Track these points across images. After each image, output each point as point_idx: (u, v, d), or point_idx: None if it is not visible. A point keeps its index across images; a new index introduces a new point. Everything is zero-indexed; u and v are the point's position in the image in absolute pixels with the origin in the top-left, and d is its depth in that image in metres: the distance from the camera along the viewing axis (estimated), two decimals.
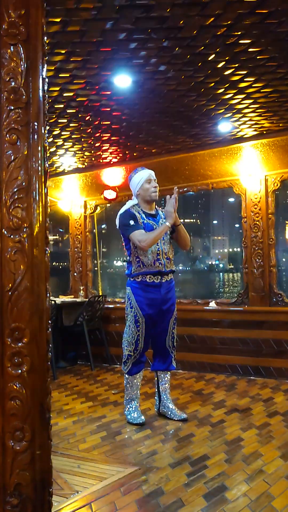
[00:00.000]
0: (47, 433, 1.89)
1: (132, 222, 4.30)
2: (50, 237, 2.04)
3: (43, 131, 1.96)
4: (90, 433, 4.16)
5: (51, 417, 1.92)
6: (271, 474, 3.22)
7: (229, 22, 3.27)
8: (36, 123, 1.92)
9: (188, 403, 4.98)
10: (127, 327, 4.44)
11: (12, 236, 1.85)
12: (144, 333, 4.37)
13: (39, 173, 1.91)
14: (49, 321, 1.95)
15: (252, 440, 3.88)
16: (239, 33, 3.41)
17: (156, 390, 4.59)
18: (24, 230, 1.86)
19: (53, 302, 6.50)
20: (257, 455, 3.56)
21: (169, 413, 4.48)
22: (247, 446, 3.74)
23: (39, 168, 1.92)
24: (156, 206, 4.59)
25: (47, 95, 2.06)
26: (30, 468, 1.83)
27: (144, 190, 4.44)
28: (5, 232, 1.85)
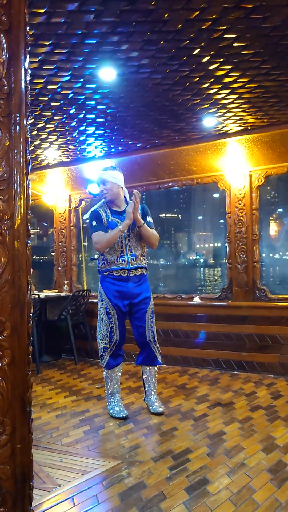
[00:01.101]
0: (28, 426, 1.88)
1: (94, 223, 4.45)
2: (32, 230, 2.03)
3: (25, 123, 1.93)
4: (73, 427, 4.15)
5: (32, 411, 1.91)
6: (252, 468, 3.24)
7: (214, 16, 3.26)
8: (18, 114, 1.90)
9: (172, 397, 5.00)
10: (99, 320, 4.51)
11: None
12: (118, 324, 4.44)
13: (21, 164, 1.89)
14: (31, 314, 1.94)
15: (234, 434, 3.90)
16: (224, 27, 3.40)
17: (143, 383, 4.62)
18: (5, 222, 1.84)
19: (37, 296, 6.47)
20: (239, 448, 3.58)
21: (149, 405, 4.52)
22: (229, 440, 3.76)
23: (21, 159, 1.89)
24: (126, 199, 4.60)
25: (29, 87, 2.04)
26: (10, 461, 1.81)
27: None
28: None
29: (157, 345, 4.57)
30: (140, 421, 4.28)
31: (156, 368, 4.60)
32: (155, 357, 4.54)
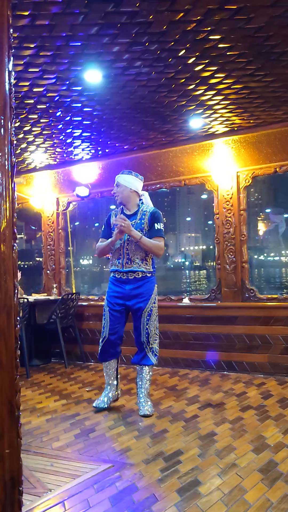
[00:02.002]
0: (16, 431, 1.86)
1: (102, 228, 4.84)
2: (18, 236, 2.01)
3: (9, 125, 1.92)
4: (64, 431, 4.13)
5: (20, 415, 1.90)
6: (243, 468, 3.24)
7: (198, 18, 3.27)
8: (2, 117, 1.89)
9: (162, 399, 4.99)
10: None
11: None
12: (110, 322, 4.64)
13: (6, 167, 1.88)
14: (18, 318, 1.92)
15: (225, 434, 3.90)
16: (209, 28, 3.42)
17: (136, 385, 4.74)
18: None
19: (26, 300, 6.44)
20: (230, 449, 3.58)
21: (138, 407, 4.57)
22: (220, 441, 3.76)
23: (6, 162, 1.88)
24: (141, 203, 4.69)
25: (14, 89, 2.03)
26: None
27: None
28: None
29: (153, 346, 4.58)
30: (131, 424, 4.26)
31: (148, 370, 4.61)
32: (146, 358, 4.57)
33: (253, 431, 3.95)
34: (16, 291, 1.91)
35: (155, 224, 4.55)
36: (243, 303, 6.18)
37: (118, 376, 4.80)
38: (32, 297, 7.19)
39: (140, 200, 4.71)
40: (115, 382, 4.74)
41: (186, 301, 6.63)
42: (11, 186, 1.90)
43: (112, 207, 4.93)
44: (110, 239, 4.59)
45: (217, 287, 6.40)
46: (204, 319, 6.33)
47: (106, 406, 4.65)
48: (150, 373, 4.64)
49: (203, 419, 4.30)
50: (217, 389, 5.31)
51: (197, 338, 6.34)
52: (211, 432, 3.96)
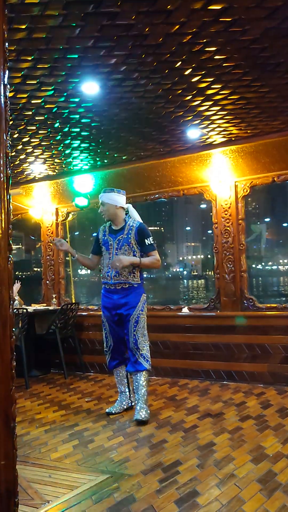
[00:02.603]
0: (12, 442, 1.86)
1: (93, 243, 5.06)
2: (15, 247, 2.03)
3: (5, 138, 1.94)
4: (62, 442, 4.12)
5: (16, 426, 1.90)
6: (242, 478, 3.23)
7: (194, 30, 3.30)
8: None
9: (162, 409, 4.98)
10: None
11: None
12: (110, 330, 4.87)
13: (1, 179, 1.89)
14: (14, 329, 1.93)
15: (224, 444, 3.89)
16: (204, 40, 3.45)
17: (127, 388, 4.98)
18: None
19: (25, 310, 6.44)
20: (229, 459, 3.57)
21: (134, 411, 4.67)
22: (219, 451, 3.75)
23: (1, 175, 1.90)
24: (127, 218, 4.85)
25: (12, 102, 2.05)
26: None
27: None
28: None
29: (142, 352, 4.67)
30: (130, 434, 4.25)
31: (142, 376, 4.65)
32: (138, 363, 4.66)
33: (252, 441, 3.94)
34: (12, 302, 1.92)
35: (145, 240, 4.74)
36: (242, 312, 6.18)
37: (129, 384, 4.95)
38: (32, 307, 7.19)
39: (126, 214, 4.89)
40: (126, 390, 4.94)
41: (185, 310, 6.62)
42: (7, 198, 1.91)
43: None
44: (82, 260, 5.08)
45: (216, 296, 6.41)
46: (203, 328, 6.33)
47: (114, 411, 4.86)
48: (145, 379, 4.67)
49: (202, 429, 4.29)
50: (217, 399, 5.30)
51: (197, 348, 6.33)
52: (210, 442, 3.94)
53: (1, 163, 1.90)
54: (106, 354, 4.94)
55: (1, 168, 1.89)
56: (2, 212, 1.87)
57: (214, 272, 6.45)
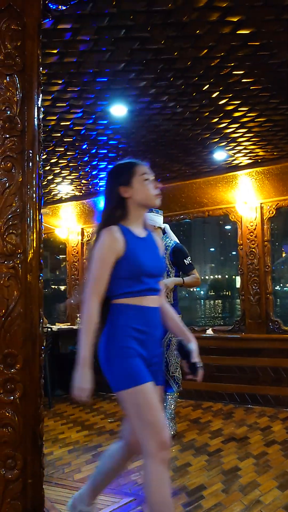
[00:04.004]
0: (39, 461, 1.87)
1: None
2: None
3: (37, 159, 1.99)
4: (86, 463, 4.10)
5: (43, 445, 1.90)
6: (268, 505, 3.16)
7: (222, 54, 3.35)
8: (31, 151, 1.95)
9: (185, 431, 4.92)
10: None
11: (6, 262, 1.86)
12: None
13: (34, 200, 1.93)
14: (43, 347, 1.95)
15: (249, 469, 3.82)
16: (232, 64, 3.49)
17: None
18: (18, 256, 1.87)
19: (50, 329, 6.47)
20: (254, 485, 3.50)
21: None
22: (244, 476, 3.68)
23: (34, 195, 1.94)
24: (165, 237, 4.88)
25: (42, 124, 2.10)
26: (21, 497, 1.80)
27: None
28: None
29: (174, 374, 4.72)
30: None
31: (171, 397, 4.72)
32: (168, 385, 4.69)
33: (278, 466, 3.86)
34: (41, 320, 1.95)
35: (184, 260, 4.76)
36: (267, 335, 6.11)
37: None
38: (56, 327, 7.23)
39: (164, 233, 4.89)
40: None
41: (209, 332, 6.58)
42: (38, 217, 1.95)
43: None
44: None
45: (241, 318, 6.35)
46: (228, 350, 6.26)
47: None
48: (173, 400, 4.70)
49: (226, 453, 4.22)
50: (241, 422, 5.22)
51: (221, 370, 6.26)
52: (235, 467, 3.88)
53: (34, 183, 1.94)
54: None
55: (34, 188, 1.93)
56: (34, 232, 1.91)
57: (239, 294, 6.41)
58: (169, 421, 4.64)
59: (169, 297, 4.70)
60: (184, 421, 5.35)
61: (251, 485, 3.49)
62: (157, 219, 4.79)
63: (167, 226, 4.96)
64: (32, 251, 1.91)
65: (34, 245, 1.92)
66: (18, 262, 1.87)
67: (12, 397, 1.82)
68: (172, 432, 4.60)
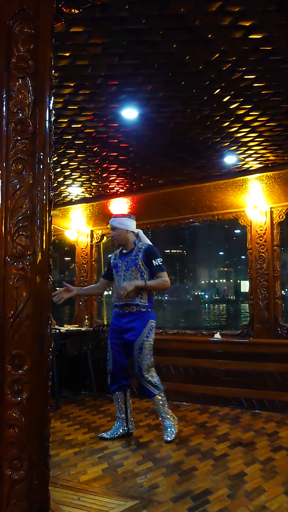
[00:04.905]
0: (45, 462, 1.87)
1: (106, 268, 5.20)
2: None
3: (48, 161, 2.00)
4: (91, 465, 4.10)
5: (49, 446, 1.91)
6: (274, 511, 3.15)
7: (234, 58, 3.35)
8: (42, 153, 1.96)
9: (191, 435, 4.91)
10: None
11: (15, 264, 1.87)
12: (113, 354, 4.88)
13: (44, 202, 1.94)
14: (50, 349, 1.95)
15: (256, 475, 3.81)
16: (244, 68, 3.49)
17: (124, 414, 4.91)
18: (28, 257, 1.88)
19: (58, 331, 6.49)
20: (260, 490, 3.49)
21: None
22: (250, 481, 3.67)
23: (44, 197, 1.95)
24: (137, 241, 4.93)
25: (54, 126, 2.11)
26: (27, 498, 1.80)
27: None
28: (9, 259, 1.88)
29: (149, 379, 4.70)
30: (159, 460, 4.20)
31: (157, 400, 4.73)
32: (144, 390, 4.73)
33: (284, 473, 3.84)
34: (50, 322, 1.95)
35: (153, 261, 4.77)
36: (276, 340, 6.09)
37: (128, 410, 4.91)
38: (64, 328, 7.24)
39: (138, 237, 4.97)
40: (123, 416, 4.90)
41: (217, 336, 6.57)
42: (48, 219, 1.96)
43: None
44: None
45: (249, 323, 6.33)
46: (236, 355, 6.25)
47: (108, 436, 4.82)
48: (160, 401, 4.73)
49: (233, 458, 4.21)
50: (248, 427, 5.20)
51: (228, 375, 6.24)
52: (241, 472, 3.86)
53: (44, 185, 1.95)
54: (107, 377, 4.98)
55: (44, 190, 1.94)
56: (43, 234, 1.92)
57: (248, 298, 6.40)
58: (167, 423, 4.72)
59: (143, 300, 4.75)
60: (190, 425, 5.34)
61: (257, 491, 3.48)
62: (130, 223, 4.90)
63: (140, 232, 5.02)
64: (41, 252, 1.92)
65: (44, 247, 1.93)
66: (27, 263, 1.88)
67: (19, 398, 1.82)
68: (174, 432, 4.69)
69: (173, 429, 4.73)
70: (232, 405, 6.14)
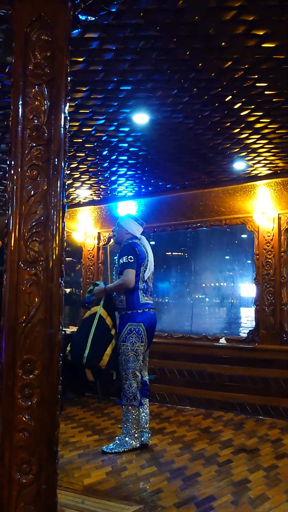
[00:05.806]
0: (54, 467, 1.89)
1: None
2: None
3: (62, 168, 2.01)
4: (96, 468, 4.11)
5: (58, 451, 1.92)
6: None
7: (246, 66, 3.36)
8: (56, 160, 1.98)
9: (195, 440, 4.92)
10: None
11: (28, 269, 1.89)
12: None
13: (58, 208, 1.96)
14: (61, 354, 1.97)
15: (260, 482, 3.81)
16: (256, 76, 3.50)
17: None
18: (40, 263, 1.90)
19: (63, 332, 6.50)
20: (264, 498, 3.49)
21: None
22: (254, 488, 3.67)
23: (58, 203, 1.97)
24: (125, 242, 4.87)
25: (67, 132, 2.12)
26: (35, 502, 1.82)
27: None
28: (22, 264, 1.89)
29: (124, 385, 4.65)
30: (163, 464, 4.21)
31: (124, 407, 4.65)
32: (120, 395, 4.72)
33: None
34: (61, 327, 1.97)
35: (120, 259, 4.72)
36: (281, 346, 6.08)
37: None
38: (69, 330, 7.26)
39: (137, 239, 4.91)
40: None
41: (222, 341, 6.57)
42: (61, 226, 1.98)
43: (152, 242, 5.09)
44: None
45: (255, 329, 6.33)
46: (241, 360, 6.24)
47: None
48: (125, 413, 4.60)
49: (236, 465, 4.21)
50: (252, 434, 5.20)
51: (233, 380, 6.24)
52: (244, 479, 3.87)
53: (58, 191, 1.97)
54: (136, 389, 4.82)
55: (58, 197, 1.96)
56: (56, 240, 1.94)
57: (254, 304, 6.40)
58: (120, 435, 4.59)
59: (122, 303, 4.73)
60: (194, 429, 5.34)
61: (261, 498, 3.48)
62: (134, 227, 4.89)
63: (143, 238, 4.97)
64: (54, 258, 1.93)
65: (56, 253, 1.95)
66: (40, 269, 1.89)
67: (29, 403, 1.84)
68: (111, 449, 4.49)
69: (118, 443, 4.51)
70: (236, 410, 6.14)
